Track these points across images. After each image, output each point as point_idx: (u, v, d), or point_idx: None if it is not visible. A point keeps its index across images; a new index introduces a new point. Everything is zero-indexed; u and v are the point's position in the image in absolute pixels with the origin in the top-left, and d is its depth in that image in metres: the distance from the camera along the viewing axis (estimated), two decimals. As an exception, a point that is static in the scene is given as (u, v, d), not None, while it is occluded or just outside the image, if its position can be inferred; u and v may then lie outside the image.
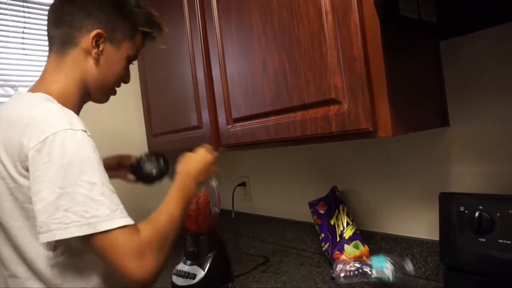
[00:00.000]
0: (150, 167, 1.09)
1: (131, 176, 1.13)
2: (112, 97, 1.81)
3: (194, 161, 0.96)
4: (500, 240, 0.83)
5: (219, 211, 1.16)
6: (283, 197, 1.53)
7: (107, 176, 0.72)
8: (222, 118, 1.21)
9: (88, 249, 0.72)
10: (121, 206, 0.70)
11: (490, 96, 0.92)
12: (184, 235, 1.20)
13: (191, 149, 1.15)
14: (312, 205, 1.26)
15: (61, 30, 0.85)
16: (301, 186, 1.44)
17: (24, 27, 1.45)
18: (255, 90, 1.06)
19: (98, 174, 0.70)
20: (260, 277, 1.22)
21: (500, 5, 0.77)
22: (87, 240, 0.67)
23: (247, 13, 1.06)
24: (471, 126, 0.96)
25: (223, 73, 1.18)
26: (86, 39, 0.83)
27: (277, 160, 1.53)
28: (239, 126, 1.15)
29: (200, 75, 1.28)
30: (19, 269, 0.75)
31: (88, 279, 0.78)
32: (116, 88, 0.96)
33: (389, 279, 0.96)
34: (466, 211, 0.88)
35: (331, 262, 1.17)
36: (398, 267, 0.96)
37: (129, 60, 0.93)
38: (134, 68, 1.74)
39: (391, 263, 0.96)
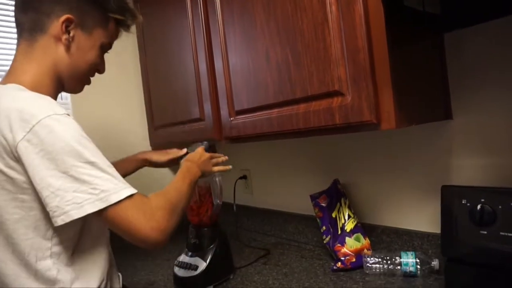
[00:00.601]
0: None
1: None
2: (113, 89, 1.82)
3: (197, 154, 1.05)
4: (501, 233, 0.84)
5: (221, 203, 1.16)
6: (285, 190, 1.53)
7: (99, 151, 0.75)
8: (224, 111, 1.21)
9: (85, 235, 0.77)
10: (121, 178, 0.74)
11: (493, 89, 0.91)
12: (186, 227, 1.21)
13: (193, 141, 1.16)
14: (314, 198, 1.26)
15: (29, 16, 0.81)
16: (302, 179, 1.44)
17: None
18: (257, 82, 1.06)
19: (94, 152, 0.72)
20: (261, 269, 1.22)
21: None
22: (98, 216, 0.70)
23: (250, 4, 1.05)
24: (473, 119, 0.96)
25: (225, 65, 1.18)
26: (56, 25, 0.81)
27: (279, 153, 1.53)
28: (241, 118, 1.14)
29: (202, 67, 1.28)
30: (9, 267, 0.74)
31: (84, 269, 0.79)
32: (95, 76, 0.94)
33: (415, 274, 0.97)
34: (468, 204, 0.89)
35: (332, 255, 1.18)
36: (425, 264, 0.97)
37: (103, 49, 0.90)
38: (135, 60, 1.74)
39: (419, 259, 0.98)
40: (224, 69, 1.18)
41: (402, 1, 0.76)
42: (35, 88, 0.78)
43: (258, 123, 1.08)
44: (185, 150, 1.15)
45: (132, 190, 0.73)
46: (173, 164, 1.21)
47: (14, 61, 0.83)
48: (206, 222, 1.17)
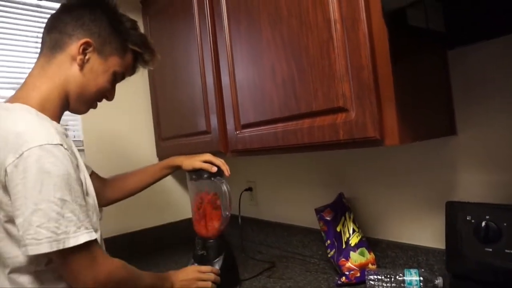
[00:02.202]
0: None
1: None
2: (122, 101, 1.83)
3: (186, 274, 1.05)
4: (506, 250, 0.83)
5: (230, 215, 1.16)
6: (290, 203, 1.53)
7: (78, 189, 0.76)
8: (230, 124, 1.23)
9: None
10: (86, 221, 0.76)
11: (497, 105, 0.92)
12: (192, 239, 1.21)
13: (199, 153, 1.17)
14: (319, 211, 1.26)
15: (53, 35, 0.87)
16: (307, 192, 1.44)
17: (38, 32, 1.49)
18: (263, 96, 1.08)
19: (70, 191, 0.73)
20: (265, 282, 1.22)
21: (507, 16, 0.77)
22: (52, 254, 0.71)
23: (256, 20, 1.07)
24: (478, 135, 0.96)
25: (232, 79, 1.20)
26: (75, 46, 0.86)
27: (284, 166, 1.53)
28: (247, 132, 1.16)
29: (210, 81, 1.30)
30: None
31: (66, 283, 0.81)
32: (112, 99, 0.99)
33: None
34: (473, 221, 0.88)
35: (336, 269, 1.18)
36: (429, 282, 0.96)
37: (115, 76, 0.94)
38: (144, 73, 1.77)
39: (423, 277, 0.97)
40: (230, 83, 1.20)
41: (406, 19, 0.77)
42: (42, 105, 0.83)
43: (263, 137, 1.09)
44: (215, 169, 1.12)
45: (92, 236, 0.75)
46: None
47: (29, 75, 0.87)
48: (214, 234, 1.18)
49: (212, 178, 1.13)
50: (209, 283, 1.06)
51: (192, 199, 1.25)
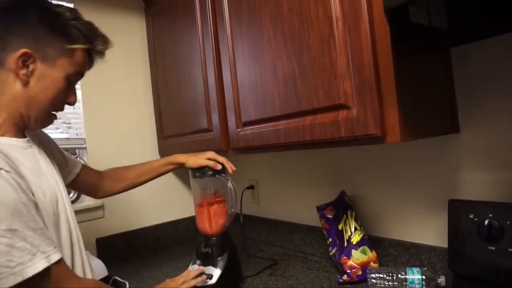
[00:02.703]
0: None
1: None
2: (124, 99, 1.83)
3: (181, 279, 1.07)
4: (510, 249, 0.82)
5: (235, 211, 1.16)
6: (291, 201, 1.53)
7: (29, 213, 0.69)
8: (231, 122, 1.22)
9: None
10: (44, 244, 0.69)
11: (500, 103, 0.91)
12: (195, 236, 1.21)
13: (201, 151, 1.17)
14: (320, 209, 1.26)
15: None
16: (309, 190, 1.44)
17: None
18: (264, 94, 1.07)
19: (19, 217, 0.67)
20: (267, 280, 1.22)
21: (509, 13, 0.77)
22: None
23: (258, 18, 1.07)
24: (481, 133, 0.95)
25: (233, 77, 1.20)
26: (13, 59, 0.75)
27: (286, 163, 1.53)
28: (248, 129, 1.16)
29: (211, 79, 1.30)
30: None
31: None
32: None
33: None
34: (476, 219, 0.88)
35: (338, 267, 1.17)
36: (431, 281, 0.96)
37: (69, 79, 0.83)
38: (146, 71, 1.78)
39: (425, 276, 0.96)
40: (232, 81, 1.20)
41: (408, 16, 0.76)
42: None
43: (265, 135, 1.09)
44: (219, 167, 1.12)
45: (51, 260, 0.70)
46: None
47: None
48: (217, 231, 1.18)
49: (217, 175, 1.13)
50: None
51: (195, 197, 1.25)
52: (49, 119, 0.85)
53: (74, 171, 1.10)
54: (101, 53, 0.88)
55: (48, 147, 0.98)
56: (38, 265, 0.67)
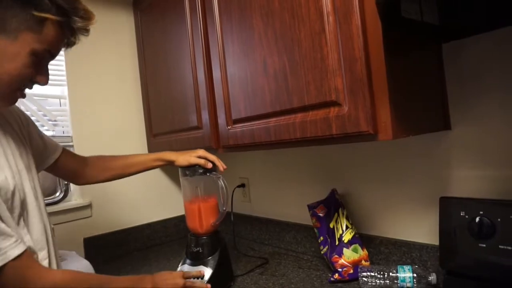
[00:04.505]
0: None
1: None
2: (112, 95, 1.81)
3: (170, 277, 0.95)
4: (500, 246, 0.82)
5: (226, 210, 1.14)
6: (282, 199, 1.52)
7: None
8: (221, 119, 1.21)
9: None
10: (5, 238, 0.69)
11: (492, 99, 0.91)
12: (184, 235, 1.19)
13: (190, 149, 1.15)
14: (311, 207, 1.25)
15: None
16: (300, 188, 1.43)
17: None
18: (255, 91, 1.06)
19: None
20: (258, 279, 1.21)
21: (501, 8, 0.76)
22: None
23: (248, 13, 1.05)
24: (472, 130, 0.95)
25: (223, 74, 1.18)
26: None
27: (277, 162, 1.52)
28: (238, 127, 1.14)
29: (201, 76, 1.28)
30: None
31: None
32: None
33: None
34: (467, 216, 0.88)
35: (329, 265, 1.16)
36: (422, 279, 0.95)
37: (35, 56, 0.74)
38: (134, 67, 1.75)
39: (416, 273, 0.96)
40: (222, 78, 1.18)
41: (400, 11, 0.75)
42: None
43: (255, 132, 1.07)
44: (210, 165, 1.10)
45: (9, 256, 0.69)
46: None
47: None
48: (208, 230, 1.16)
49: (208, 174, 1.12)
50: None
51: (185, 195, 1.23)
52: (13, 96, 0.77)
53: (53, 156, 1.04)
54: (82, 30, 0.78)
55: (25, 128, 0.92)
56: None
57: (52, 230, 0.90)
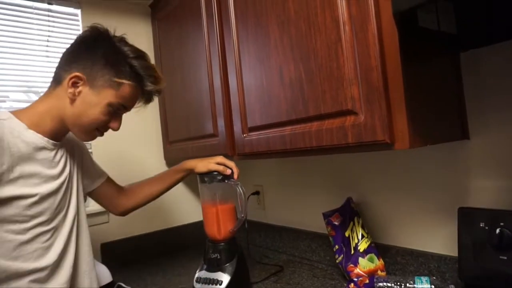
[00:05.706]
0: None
1: None
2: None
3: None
4: (522, 259, 0.80)
5: (244, 217, 1.15)
6: (297, 207, 1.51)
7: None
8: (237, 127, 1.22)
9: None
10: None
11: (511, 109, 0.89)
12: (202, 242, 1.20)
13: (206, 156, 1.16)
14: (327, 216, 1.24)
15: (57, 71, 0.95)
16: (315, 197, 1.42)
17: (49, 35, 1.50)
18: (271, 99, 1.06)
19: None
20: (272, 287, 1.21)
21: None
22: None
23: (264, 22, 1.06)
24: (491, 140, 0.93)
25: (239, 82, 1.19)
26: (67, 79, 0.91)
27: (292, 169, 1.52)
28: (254, 135, 1.15)
29: (217, 84, 1.30)
30: None
31: None
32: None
33: None
34: (486, 227, 0.86)
35: (345, 275, 1.15)
36: None
37: (112, 108, 0.95)
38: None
39: (434, 285, 0.94)
40: (238, 85, 1.19)
41: (417, 21, 0.75)
42: (31, 118, 0.92)
43: (271, 140, 1.08)
44: (229, 171, 1.12)
45: None
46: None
47: (37, 100, 0.98)
48: (226, 237, 1.17)
49: (226, 181, 1.13)
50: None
51: (204, 202, 1.24)
52: (91, 135, 0.98)
53: (98, 180, 1.17)
54: (154, 92, 1.01)
55: (79, 155, 1.10)
56: None
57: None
